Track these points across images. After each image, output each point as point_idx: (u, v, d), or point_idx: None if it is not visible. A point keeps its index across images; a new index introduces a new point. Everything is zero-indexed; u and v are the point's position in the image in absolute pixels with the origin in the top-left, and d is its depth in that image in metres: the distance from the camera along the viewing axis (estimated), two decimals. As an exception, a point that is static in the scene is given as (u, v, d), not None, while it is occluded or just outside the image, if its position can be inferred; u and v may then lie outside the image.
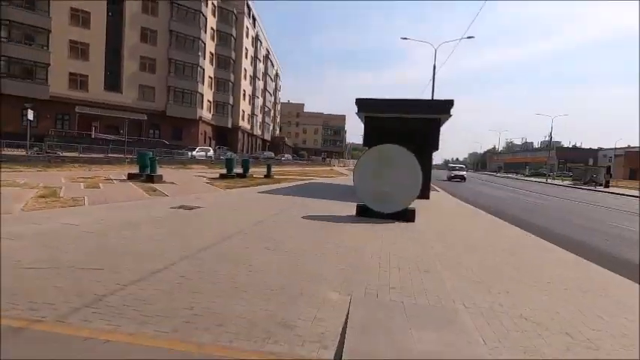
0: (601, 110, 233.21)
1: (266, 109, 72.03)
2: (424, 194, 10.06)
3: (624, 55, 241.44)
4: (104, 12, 36.85)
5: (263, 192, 12.46)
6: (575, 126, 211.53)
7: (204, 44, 44.36)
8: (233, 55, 51.35)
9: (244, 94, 56.57)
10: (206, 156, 35.25)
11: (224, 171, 18.08)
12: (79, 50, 35.81)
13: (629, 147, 70.65)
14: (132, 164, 19.55)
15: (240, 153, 47.19)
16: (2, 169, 14.11)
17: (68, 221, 5.76)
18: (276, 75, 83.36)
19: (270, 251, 4.76)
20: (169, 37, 40.96)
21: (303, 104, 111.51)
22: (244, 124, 57.33)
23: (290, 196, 11.71)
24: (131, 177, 13.77)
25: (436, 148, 12.81)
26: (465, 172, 36.85)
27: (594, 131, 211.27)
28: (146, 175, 13.42)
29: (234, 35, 51.50)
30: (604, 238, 8.43)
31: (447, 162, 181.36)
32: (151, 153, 14.08)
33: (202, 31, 43.29)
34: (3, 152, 18.72)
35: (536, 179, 51.89)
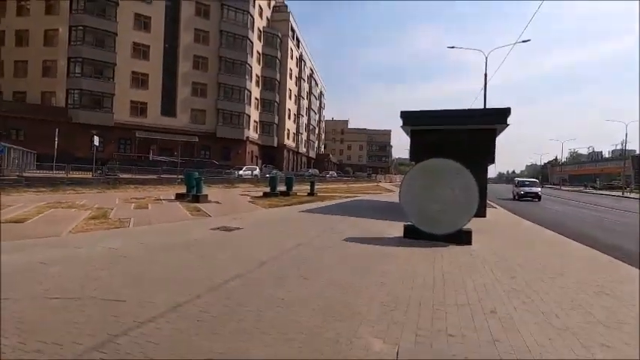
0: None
1: (310, 127, 73.12)
2: (480, 212, 9.03)
3: None
4: (161, 44, 40.07)
5: (305, 211, 12.09)
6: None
7: (251, 68, 46.30)
8: (278, 76, 53.03)
9: (289, 114, 57.90)
10: (252, 174, 36.11)
11: (268, 189, 18.10)
12: (139, 80, 39.09)
13: None
14: (182, 184, 20.32)
15: (285, 171, 47.92)
16: (68, 192, 15.26)
17: (108, 244, 5.74)
18: (321, 93, 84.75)
19: (305, 281, 4.26)
20: (219, 63, 43.33)
21: (347, 121, 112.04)
22: (289, 142, 58.44)
23: (333, 215, 11.21)
24: (179, 197, 14.15)
25: (492, 161, 11.67)
26: (539, 189, 26.67)
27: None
28: (192, 195, 13.70)
29: (279, 57, 53.29)
30: None
31: (501, 175, 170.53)
32: (197, 173, 14.40)
33: (249, 56, 45.30)
34: (72, 175, 20.41)
35: (609, 192, 46.43)
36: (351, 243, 6.78)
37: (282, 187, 18.90)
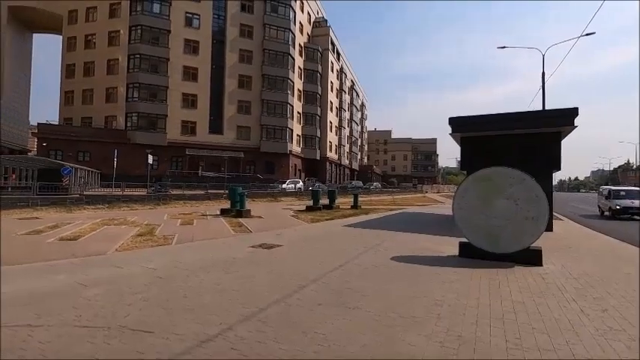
0: None
1: (353, 138, 72.67)
2: (547, 225, 7.88)
3: None
4: (209, 66, 42.23)
5: (348, 225, 11.57)
6: None
7: (293, 83, 47.17)
8: (319, 89, 53.51)
9: (331, 126, 58.00)
10: (295, 188, 36.25)
11: (311, 203, 17.84)
12: (189, 101, 41.35)
13: None
14: (227, 199, 20.73)
15: (328, 183, 47.69)
16: (122, 209, 16.09)
17: (148, 264, 5.67)
18: (362, 104, 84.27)
19: (347, 311, 3.76)
20: (262, 80, 44.64)
21: (390, 131, 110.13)
22: (332, 154, 58.36)
23: (377, 229, 10.57)
24: (223, 212, 14.31)
25: (558, 167, 10.39)
26: None
27: None
28: (236, 210, 13.78)
29: (320, 71, 53.85)
30: None
31: (562, 183, 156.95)
32: (240, 188, 14.50)
33: (290, 71, 46.22)
34: (127, 192, 21.68)
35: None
36: (398, 263, 6.16)
37: (325, 200, 18.56)
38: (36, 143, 40.89)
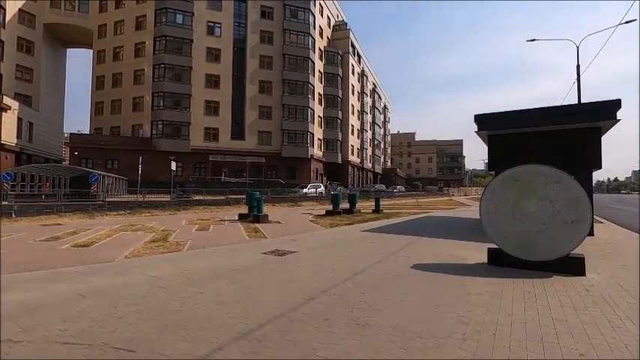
0: None
1: (375, 141, 71.73)
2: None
3: None
4: (230, 73, 42.85)
5: (368, 230, 11.04)
6: None
7: (313, 87, 47.07)
8: (340, 93, 53.16)
9: (352, 130, 57.43)
10: (316, 192, 35.90)
11: (331, 207, 17.40)
12: (212, 108, 42.06)
13: None
14: (246, 205, 20.66)
15: (350, 187, 47.09)
16: (143, 214, 16.25)
17: (154, 272, 5.42)
18: (385, 107, 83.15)
19: (357, 329, 3.29)
20: (282, 85, 44.81)
21: (413, 133, 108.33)
22: (354, 158, 57.71)
23: (399, 234, 9.98)
24: (241, 217, 14.14)
25: (598, 166, 9.44)
26: None
27: None
28: (253, 216, 13.55)
29: (341, 74, 53.54)
30: None
31: (600, 183, 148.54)
32: (258, 193, 14.29)
33: (311, 75, 46.16)
34: (150, 198, 22.04)
35: None
36: (420, 271, 5.62)
37: (345, 205, 18.07)
38: (68, 152, 42.77)
